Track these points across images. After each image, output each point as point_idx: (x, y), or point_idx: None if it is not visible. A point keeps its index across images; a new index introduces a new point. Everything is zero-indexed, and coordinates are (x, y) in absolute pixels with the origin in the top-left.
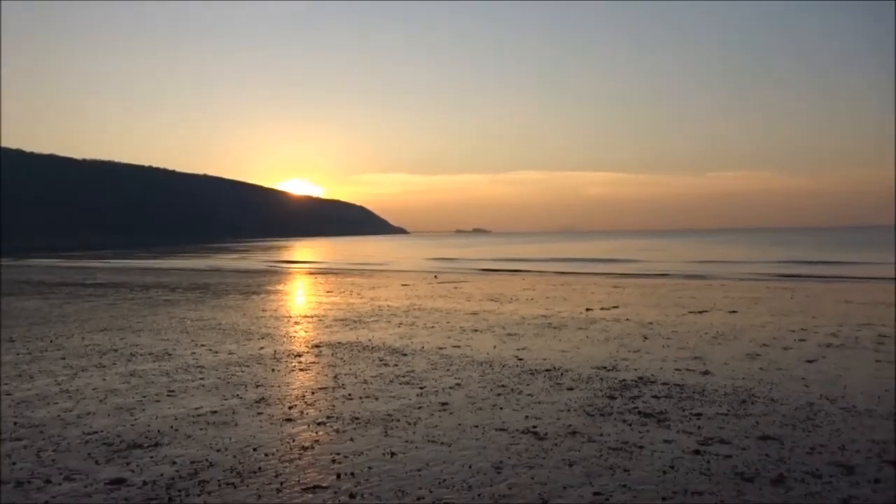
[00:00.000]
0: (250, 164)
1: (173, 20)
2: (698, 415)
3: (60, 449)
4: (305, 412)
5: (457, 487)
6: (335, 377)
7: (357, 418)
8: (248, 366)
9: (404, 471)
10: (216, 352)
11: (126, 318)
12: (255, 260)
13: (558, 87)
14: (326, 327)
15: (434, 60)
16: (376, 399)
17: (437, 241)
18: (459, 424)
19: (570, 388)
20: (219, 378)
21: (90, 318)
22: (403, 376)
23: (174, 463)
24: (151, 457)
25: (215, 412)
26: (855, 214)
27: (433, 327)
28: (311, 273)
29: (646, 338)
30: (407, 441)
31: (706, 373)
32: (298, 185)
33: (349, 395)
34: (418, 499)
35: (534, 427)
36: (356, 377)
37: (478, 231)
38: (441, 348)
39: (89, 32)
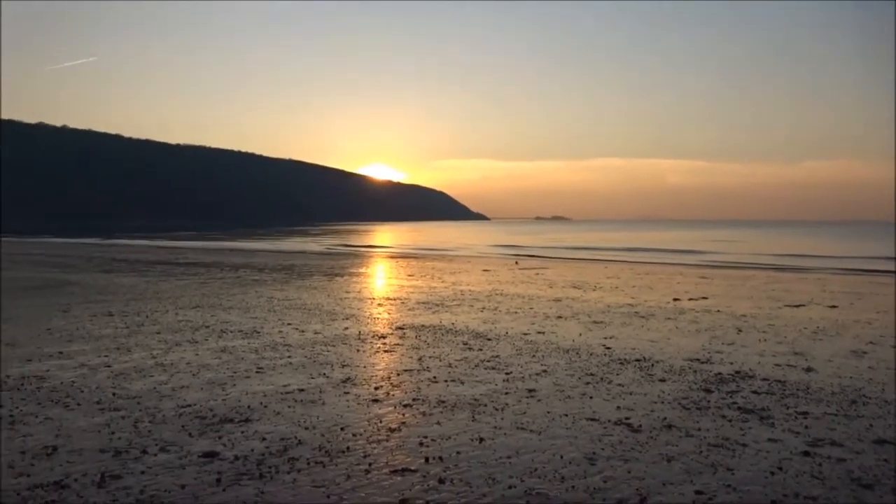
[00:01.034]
0: (334, 149)
1: (259, 11)
2: (804, 413)
3: (156, 420)
4: (391, 393)
5: (549, 478)
6: (420, 360)
7: (443, 402)
8: (333, 345)
9: (494, 457)
10: (302, 331)
11: (217, 296)
12: (337, 243)
13: (639, 74)
14: (409, 310)
15: (515, 45)
16: (462, 383)
17: (516, 227)
18: (548, 412)
19: (663, 380)
20: (305, 357)
21: (183, 295)
22: (488, 361)
23: (264, 439)
24: (242, 432)
25: (303, 390)
26: None
27: (516, 313)
28: (393, 257)
29: (740, 330)
30: (495, 427)
31: (809, 369)
32: (380, 169)
33: (434, 377)
34: (509, 487)
35: (626, 418)
36: (441, 360)
37: (557, 218)
38: (525, 334)
39: (182, 28)
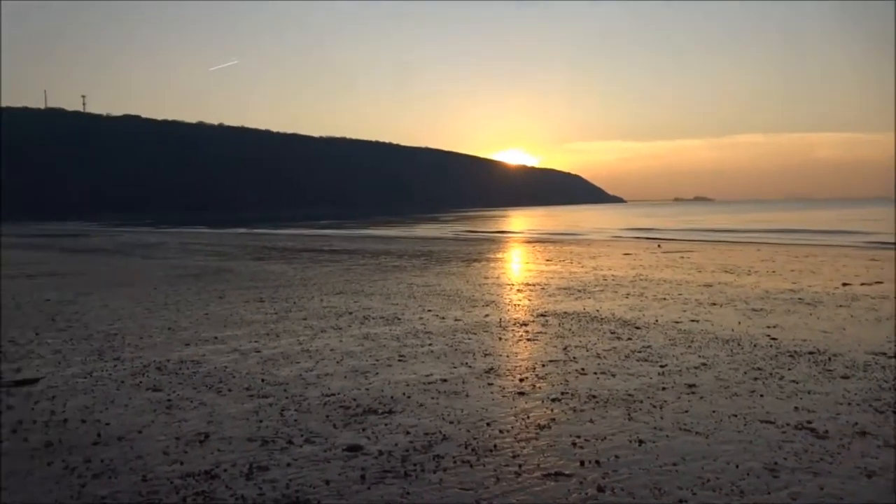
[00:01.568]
0: (467, 136)
1: (385, 5)
2: None
3: (302, 409)
4: (538, 386)
5: (725, 491)
6: (565, 349)
7: (594, 396)
8: (474, 333)
9: (657, 464)
10: (442, 318)
11: (359, 283)
12: (471, 229)
13: (784, 40)
14: (550, 296)
15: (647, 22)
16: (613, 376)
17: (655, 209)
18: (714, 412)
19: (845, 377)
20: (446, 345)
21: (327, 282)
22: (639, 351)
23: (408, 433)
24: (386, 424)
25: (445, 380)
26: None
27: (664, 299)
28: (529, 242)
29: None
30: (655, 427)
31: None
32: (513, 154)
33: (582, 369)
34: (680, 501)
35: (808, 422)
36: (587, 350)
37: (699, 199)
38: (677, 322)
39: (309, 25)
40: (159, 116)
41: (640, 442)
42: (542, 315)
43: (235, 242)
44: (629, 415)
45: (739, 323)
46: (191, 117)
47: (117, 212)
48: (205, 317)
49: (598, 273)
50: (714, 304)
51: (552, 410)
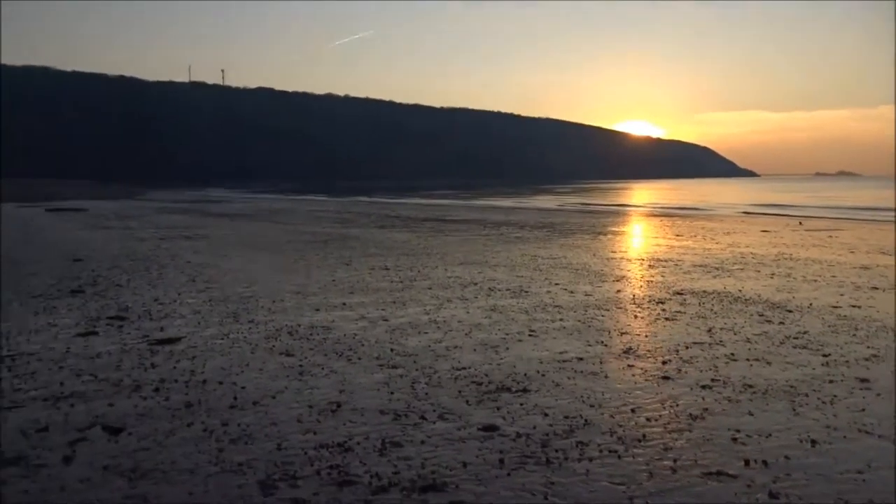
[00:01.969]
0: (592, 106)
1: None
2: None
3: (432, 383)
4: (683, 370)
5: None
6: (709, 331)
7: (750, 386)
8: (607, 309)
9: (836, 469)
10: (572, 292)
11: (482, 253)
12: (595, 201)
13: None
14: (685, 273)
15: None
16: (768, 364)
17: (792, 184)
18: None
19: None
20: (578, 321)
21: (450, 251)
22: (795, 338)
23: (546, 415)
24: (521, 404)
25: (581, 359)
26: None
27: (815, 281)
28: (655, 216)
29: None
30: (828, 426)
31: None
32: (638, 125)
33: (732, 354)
34: None
35: None
36: (735, 333)
37: (843, 174)
38: (835, 307)
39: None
40: (289, 88)
41: (813, 442)
42: (678, 293)
43: (358, 210)
44: (794, 409)
45: None
46: (319, 89)
47: (254, 179)
48: (332, 283)
49: (736, 250)
50: (876, 288)
51: (703, 399)
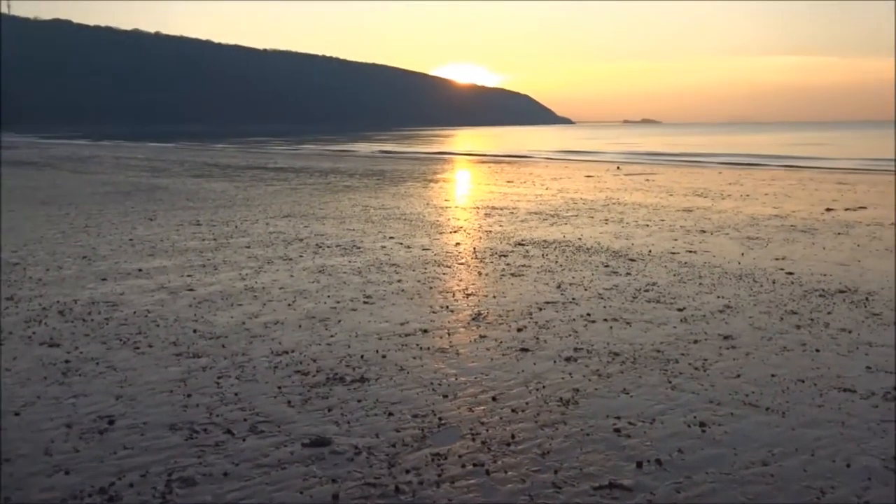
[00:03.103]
0: (415, 49)
1: None
2: None
3: (245, 376)
4: (542, 339)
5: None
6: (559, 287)
7: (616, 354)
8: (448, 266)
9: (739, 464)
10: (408, 246)
11: (309, 205)
12: (424, 148)
13: None
14: (522, 221)
15: None
16: (628, 324)
17: (604, 131)
18: (773, 375)
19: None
20: (418, 281)
21: (273, 202)
22: (646, 290)
23: (391, 415)
24: (359, 401)
25: (426, 331)
26: None
27: (647, 226)
28: (485, 162)
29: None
30: (711, 402)
31: None
32: (465, 69)
33: (588, 315)
34: None
35: None
36: (585, 289)
37: (647, 121)
38: (673, 253)
39: None
40: (102, 23)
41: (702, 426)
42: (520, 244)
43: (174, 157)
44: (669, 381)
45: (743, 254)
46: (126, 24)
47: (64, 122)
48: (129, 243)
49: (566, 196)
50: (704, 231)
51: (571, 376)
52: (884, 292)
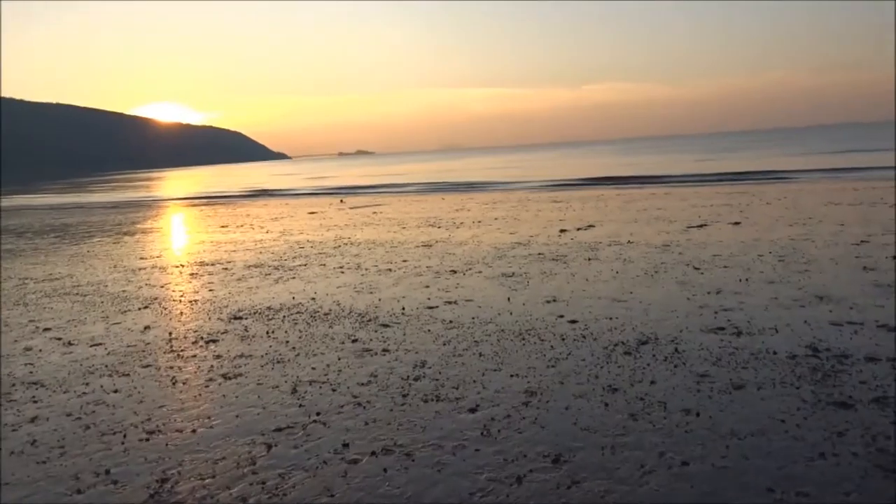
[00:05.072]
0: (110, 87)
1: None
2: None
3: None
4: None
5: None
6: (294, 392)
7: None
8: (124, 374)
9: None
10: (69, 343)
11: None
12: (124, 194)
13: (436, 3)
14: (239, 280)
15: None
16: (408, 457)
17: (322, 164)
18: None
19: (740, 386)
20: (69, 414)
21: None
22: (415, 379)
23: None
24: None
25: None
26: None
27: (390, 270)
28: (195, 205)
29: (698, 269)
30: None
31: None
32: (166, 109)
33: (345, 445)
34: None
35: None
36: (333, 388)
37: (361, 153)
38: (431, 307)
39: None
40: None
41: None
42: (236, 318)
43: None
44: None
45: (509, 299)
46: None
47: None
48: None
49: (291, 239)
50: (454, 271)
51: None
52: (679, 334)
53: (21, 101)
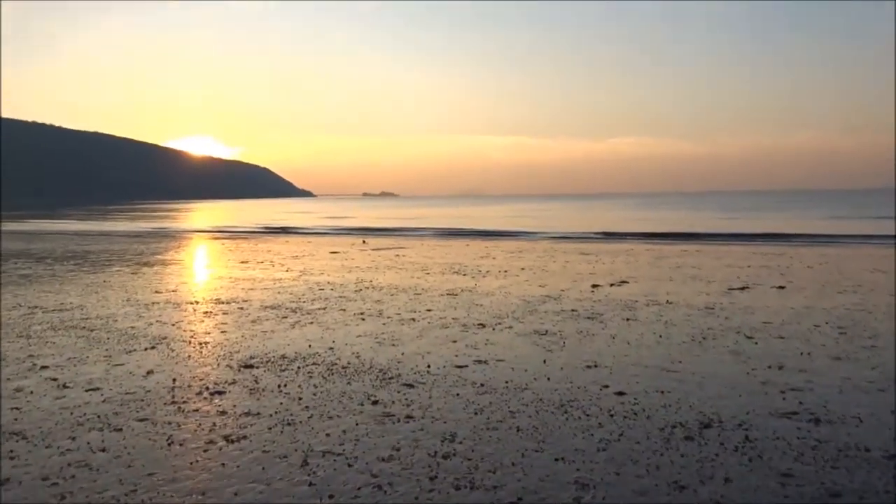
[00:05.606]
0: (145, 119)
1: None
2: None
3: None
4: None
5: None
6: (304, 465)
7: None
8: (118, 429)
9: None
10: (64, 384)
11: None
12: (149, 224)
13: (461, 50)
14: (253, 322)
15: (361, 20)
16: None
17: (346, 203)
18: None
19: (861, 496)
20: (44, 478)
21: None
22: (444, 457)
23: None
24: None
25: None
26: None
27: (414, 320)
28: (217, 238)
29: (752, 339)
30: None
31: None
32: (200, 142)
33: None
34: None
35: None
36: (349, 464)
37: (385, 194)
38: (460, 367)
39: None
40: None
41: None
42: (247, 366)
43: None
44: None
45: (545, 362)
46: None
47: None
48: None
49: (310, 279)
50: (482, 325)
51: None
52: (752, 420)
53: (60, 128)
